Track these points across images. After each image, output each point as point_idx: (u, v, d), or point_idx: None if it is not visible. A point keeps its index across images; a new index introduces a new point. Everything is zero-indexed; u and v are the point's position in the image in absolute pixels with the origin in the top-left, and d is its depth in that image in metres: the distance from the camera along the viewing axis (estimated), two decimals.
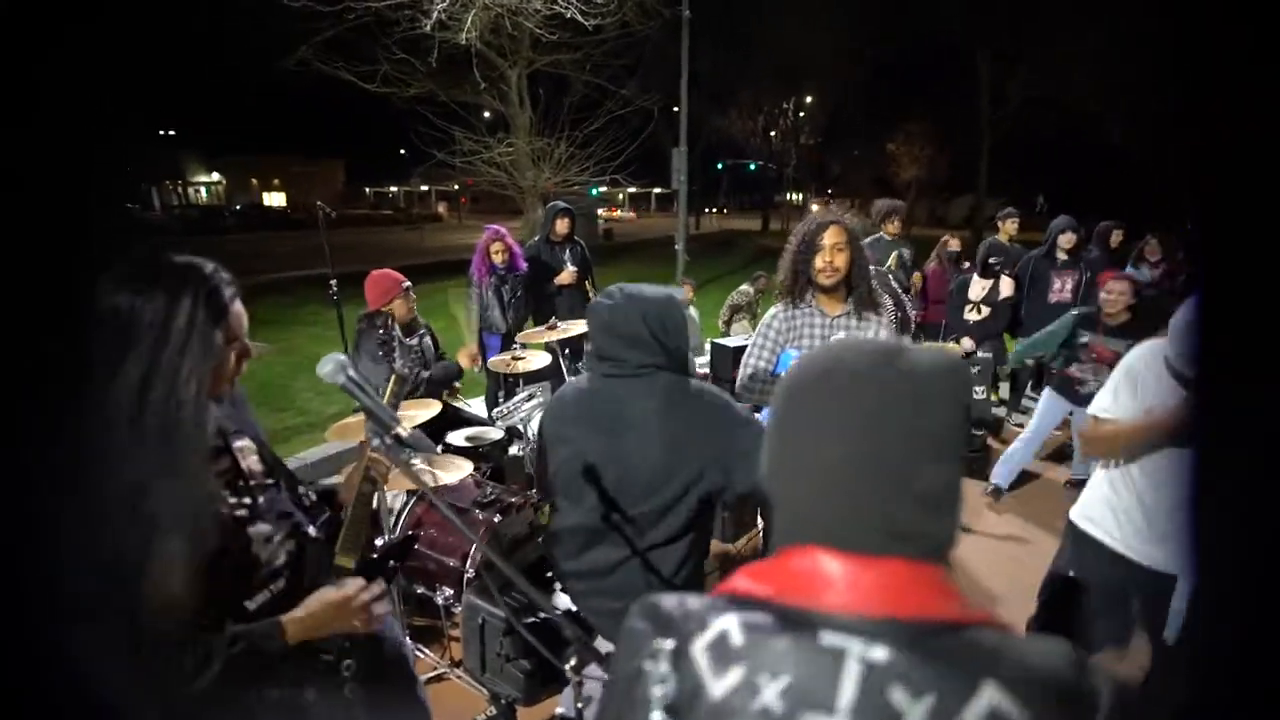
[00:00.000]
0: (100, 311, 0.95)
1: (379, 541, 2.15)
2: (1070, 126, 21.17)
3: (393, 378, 1.32)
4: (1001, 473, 3.86)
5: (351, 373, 1.02)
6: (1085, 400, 2.73)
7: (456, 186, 29.67)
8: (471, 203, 37.18)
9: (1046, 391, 3.63)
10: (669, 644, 0.58)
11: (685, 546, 1.53)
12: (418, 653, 2.31)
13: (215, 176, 43.05)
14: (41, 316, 0.77)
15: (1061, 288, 4.58)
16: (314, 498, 1.29)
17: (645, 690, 0.57)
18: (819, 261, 2.17)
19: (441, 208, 40.07)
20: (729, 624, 0.57)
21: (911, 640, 0.52)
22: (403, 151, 11.85)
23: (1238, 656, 0.55)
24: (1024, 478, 4.21)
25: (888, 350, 0.60)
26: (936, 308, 5.01)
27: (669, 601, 0.62)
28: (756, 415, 1.66)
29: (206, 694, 0.97)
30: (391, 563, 1.28)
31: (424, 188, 38.64)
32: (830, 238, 2.16)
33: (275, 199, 43.02)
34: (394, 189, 46.25)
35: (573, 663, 1.04)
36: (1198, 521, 0.60)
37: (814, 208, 3.37)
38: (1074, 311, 3.52)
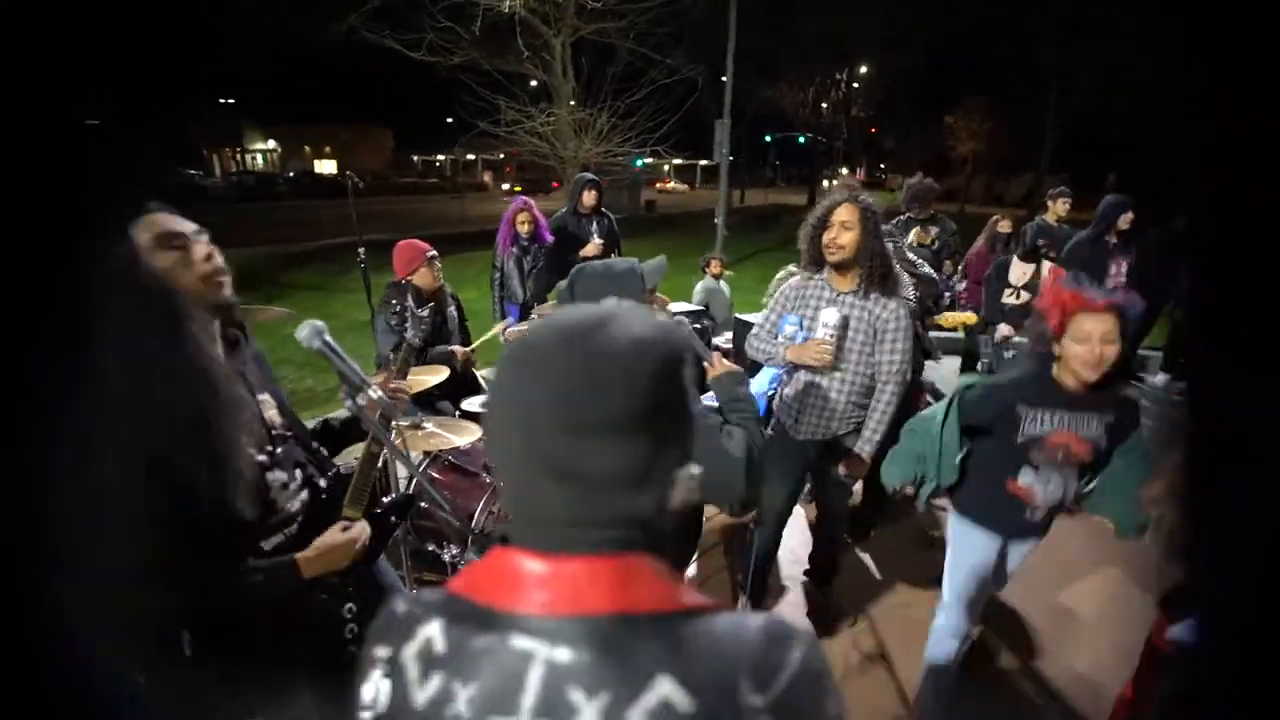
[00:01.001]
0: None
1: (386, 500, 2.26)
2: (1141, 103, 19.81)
3: (403, 346, 1.38)
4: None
5: (327, 338, 1.07)
6: (1031, 530, 1.90)
7: (502, 155, 29.82)
8: (517, 171, 37.34)
9: (955, 524, 2.03)
10: (385, 652, 0.58)
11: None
12: None
13: (271, 144, 44.29)
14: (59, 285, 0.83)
15: (1117, 272, 4.33)
16: (325, 453, 1.38)
17: (363, 701, 0.58)
18: (825, 238, 2.15)
19: (487, 177, 40.38)
20: (434, 630, 0.56)
21: (595, 638, 0.51)
22: (449, 120, 11.95)
23: (1237, 656, 0.54)
24: None
25: (586, 324, 0.55)
26: (980, 290, 4.82)
27: (401, 605, 0.61)
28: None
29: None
30: (394, 518, 1.36)
31: (469, 156, 38.93)
32: (840, 215, 2.13)
33: (327, 166, 44.07)
34: (441, 157, 46.74)
35: None
36: (1197, 521, 0.58)
37: (833, 183, 3.23)
38: (984, 370, 2.74)
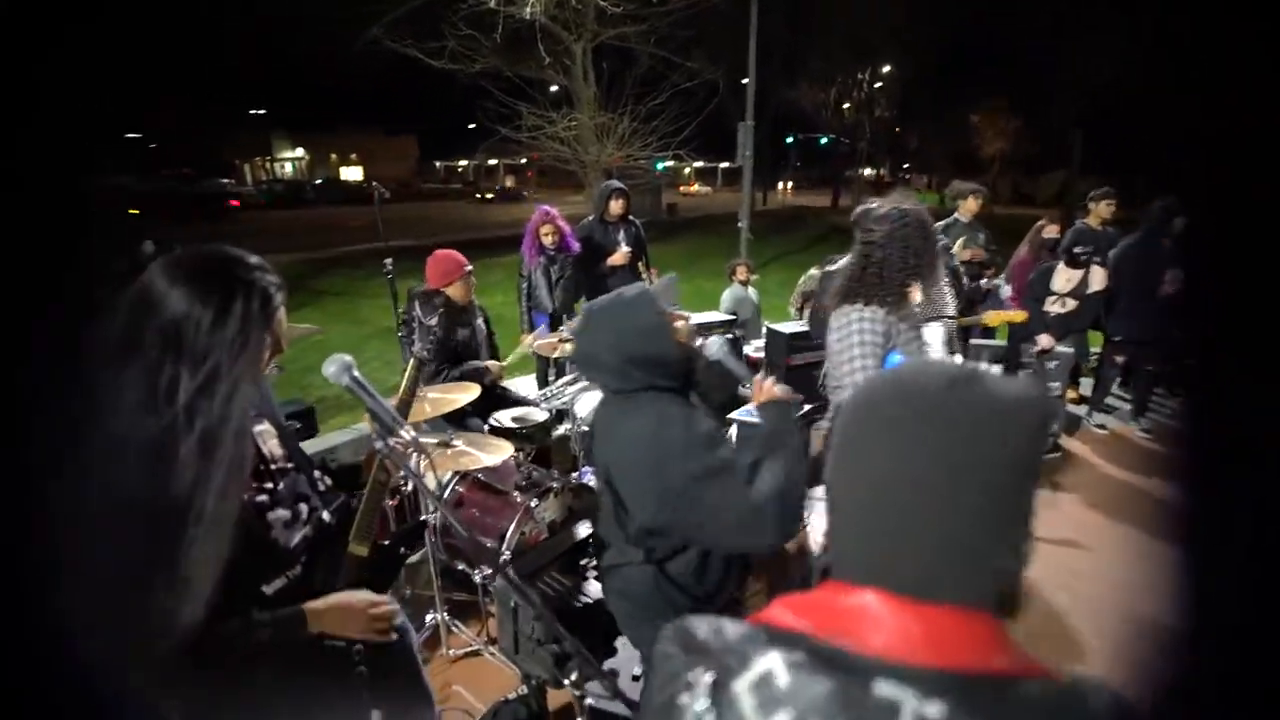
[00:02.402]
0: (152, 302, 0.97)
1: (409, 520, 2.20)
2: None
3: (411, 362, 1.32)
4: None
5: (356, 373, 1.01)
6: None
7: (524, 160, 30.02)
8: (539, 176, 37.55)
9: None
10: (707, 677, 0.55)
11: (697, 556, 1.48)
12: (454, 628, 2.37)
13: (299, 152, 45.10)
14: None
15: (1173, 280, 4.12)
16: (329, 482, 1.32)
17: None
18: None
19: (509, 181, 40.68)
20: (773, 663, 0.53)
21: (965, 695, 0.49)
22: (471, 126, 12.04)
23: (1237, 656, 0.54)
24: (1076, 475, 3.92)
25: (964, 374, 0.56)
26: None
27: (703, 629, 0.59)
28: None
29: (228, 678, 1.00)
30: (402, 550, 1.29)
31: (492, 161, 39.24)
32: None
33: (352, 173, 44.74)
34: (464, 163, 47.20)
35: (573, 677, 1.01)
36: (1197, 521, 0.59)
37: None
38: None
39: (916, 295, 1.97)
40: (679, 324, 1.50)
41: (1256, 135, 0.53)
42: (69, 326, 0.84)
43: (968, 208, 4.55)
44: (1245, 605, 0.54)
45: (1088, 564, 3.07)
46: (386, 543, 1.30)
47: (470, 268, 3.02)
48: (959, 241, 4.30)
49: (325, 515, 1.26)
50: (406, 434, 1.04)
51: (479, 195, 33.64)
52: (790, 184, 41.62)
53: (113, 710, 0.76)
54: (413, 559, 2.67)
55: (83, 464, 0.85)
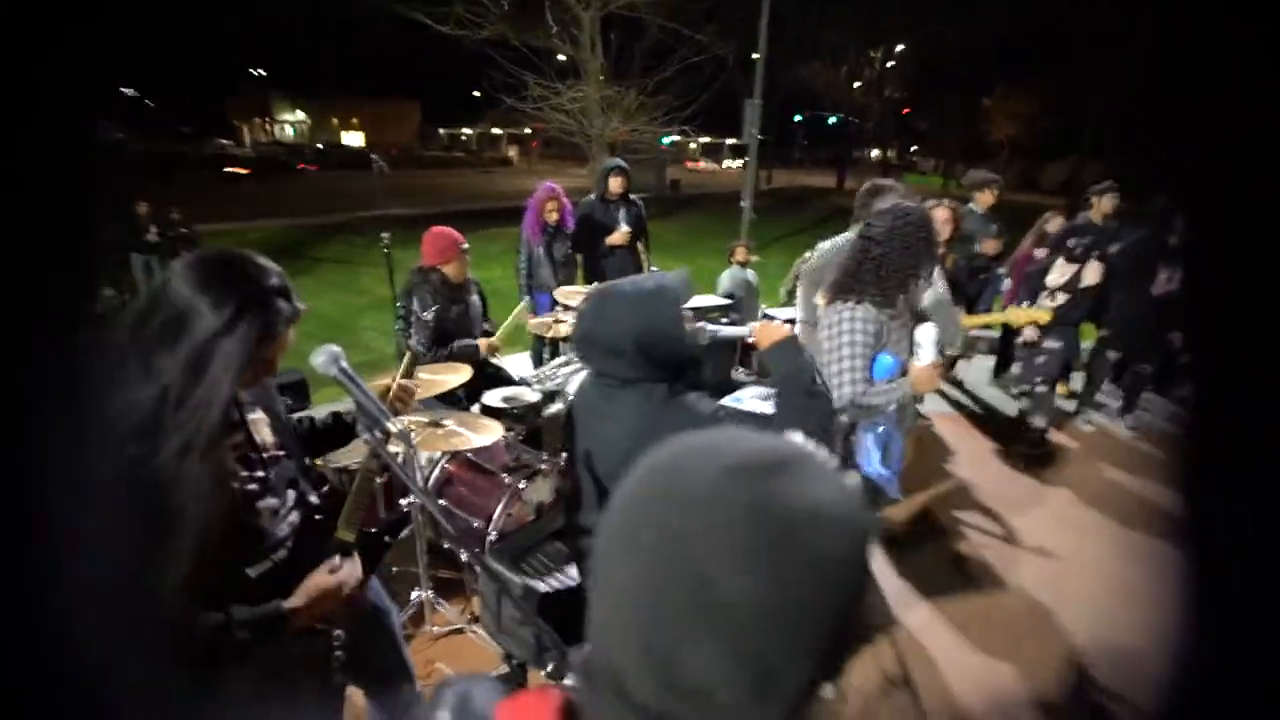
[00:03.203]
0: (169, 299, 1.01)
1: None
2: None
3: (406, 355, 1.33)
4: None
5: (344, 364, 1.01)
6: None
7: (528, 130, 29.68)
8: (543, 147, 37.08)
9: None
10: None
11: None
12: (438, 606, 2.41)
13: (299, 115, 44.44)
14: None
15: (1170, 278, 4.11)
16: (318, 469, 1.33)
17: None
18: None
19: (512, 152, 40.18)
20: None
21: None
22: (476, 94, 11.88)
23: (1237, 657, 0.53)
24: (1063, 471, 3.95)
25: (760, 464, 0.43)
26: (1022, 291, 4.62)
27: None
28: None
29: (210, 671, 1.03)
30: (386, 539, 1.31)
31: (496, 131, 38.71)
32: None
33: (354, 138, 44.15)
34: (467, 131, 46.55)
35: (549, 668, 1.04)
36: (1197, 521, 0.57)
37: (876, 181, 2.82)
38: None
39: (920, 293, 1.96)
40: (694, 330, 1.47)
41: (1256, 135, 0.51)
42: (66, 310, 0.84)
43: (983, 199, 4.50)
44: (1244, 607, 0.52)
45: (1073, 561, 3.12)
46: (374, 530, 1.32)
47: (466, 245, 2.99)
48: (989, 237, 4.29)
49: (314, 498, 1.27)
50: (393, 426, 1.05)
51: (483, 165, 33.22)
52: (797, 161, 41.14)
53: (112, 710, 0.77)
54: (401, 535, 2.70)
55: (77, 448, 0.85)
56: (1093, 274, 3.95)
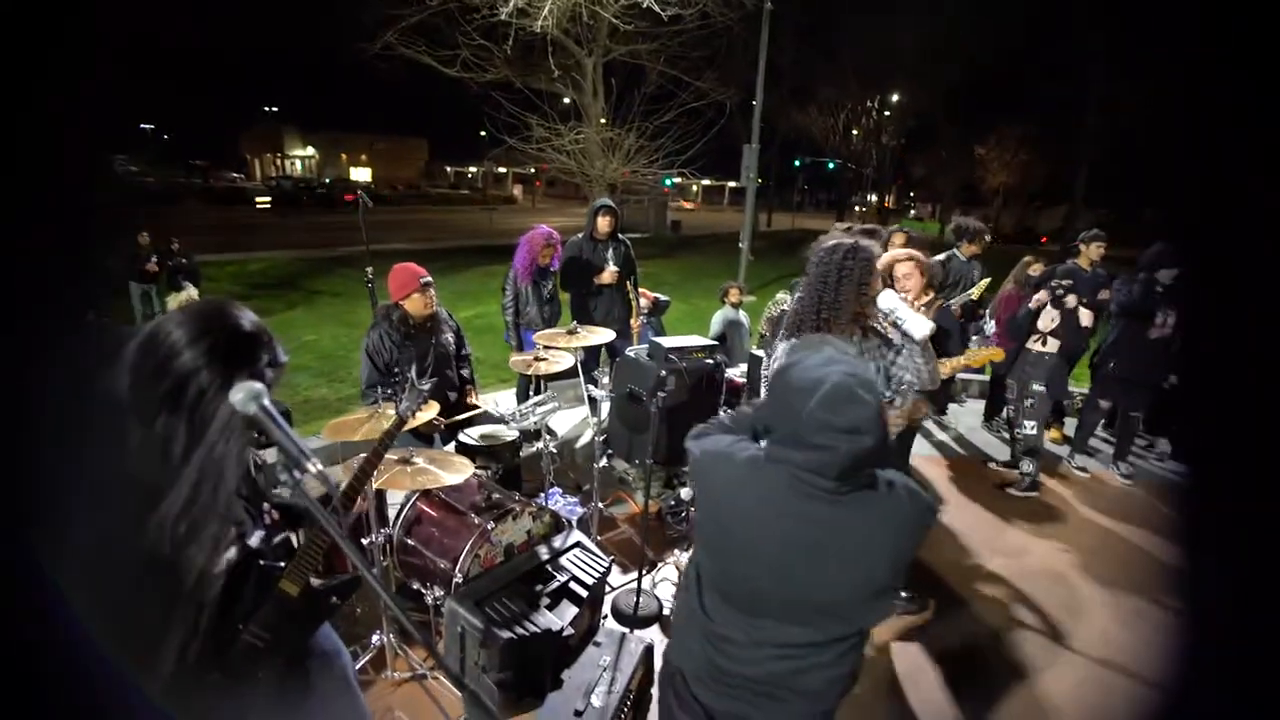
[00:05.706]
0: (164, 350, 1.03)
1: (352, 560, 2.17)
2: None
3: (391, 421, 1.29)
4: None
5: (265, 402, 0.99)
6: None
7: (533, 169, 30.28)
8: (546, 186, 37.77)
9: None
10: None
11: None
12: (399, 651, 2.32)
13: (309, 151, 45.41)
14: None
15: (1164, 322, 4.13)
16: (275, 513, 1.29)
17: None
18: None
19: (517, 190, 40.89)
20: None
21: None
22: (482, 134, 12.12)
23: (1237, 657, 0.53)
24: (1054, 517, 3.87)
25: None
26: (1006, 335, 4.64)
27: None
28: None
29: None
30: (334, 599, 1.27)
31: (500, 169, 39.50)
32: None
33: (362, 174, 45.02)
34: (473, 169, 47.51)
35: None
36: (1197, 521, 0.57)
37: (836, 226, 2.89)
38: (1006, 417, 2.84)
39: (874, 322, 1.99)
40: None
41: (1253, 185, 0.52)
42: (65, 333, 0.85)
43: (966, 249, 4.56)
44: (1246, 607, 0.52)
45: (1066, 610, 3.03)
46: (320, 590, 1.27)
47: (428, 279, 2.93)
48: (978, 285, 4.34)
49: (253, 542, 1.23)
50: (314, 467, 1.01)
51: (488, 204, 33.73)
52: (797, 205, 41.81)
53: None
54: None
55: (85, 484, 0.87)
56: (1085, 318, 4.01)
